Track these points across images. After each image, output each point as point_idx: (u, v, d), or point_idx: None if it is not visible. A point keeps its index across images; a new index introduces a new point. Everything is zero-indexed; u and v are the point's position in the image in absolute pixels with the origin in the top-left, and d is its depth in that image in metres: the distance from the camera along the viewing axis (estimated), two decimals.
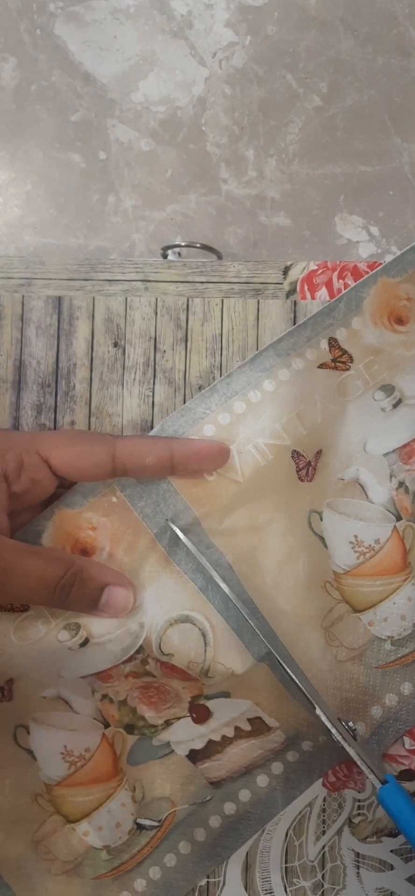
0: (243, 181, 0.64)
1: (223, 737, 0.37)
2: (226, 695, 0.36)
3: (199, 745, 0.37)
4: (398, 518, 0.38)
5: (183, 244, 0.48)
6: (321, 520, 0.38)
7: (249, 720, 0.37)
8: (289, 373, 0.37)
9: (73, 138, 0.64)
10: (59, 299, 0.40)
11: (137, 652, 0.35)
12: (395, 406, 0.38)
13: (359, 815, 0.37)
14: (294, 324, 0.40)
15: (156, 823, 0.37)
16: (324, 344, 0.38)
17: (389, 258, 0.40)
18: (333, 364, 0.38)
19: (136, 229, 0.63)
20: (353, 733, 0.35)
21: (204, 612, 0.35)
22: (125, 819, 0.36)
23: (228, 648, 0.35)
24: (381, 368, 0.38)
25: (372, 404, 0.38)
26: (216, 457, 0.36)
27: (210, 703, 0.36)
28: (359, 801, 0.38)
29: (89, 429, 0.39)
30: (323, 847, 0.38)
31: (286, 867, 0.38)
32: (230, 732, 0.37)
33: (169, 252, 0.47)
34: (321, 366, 0.38)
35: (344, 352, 0.38)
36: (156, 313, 0.40)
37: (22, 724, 0.36)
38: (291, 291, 0.40)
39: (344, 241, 0.63)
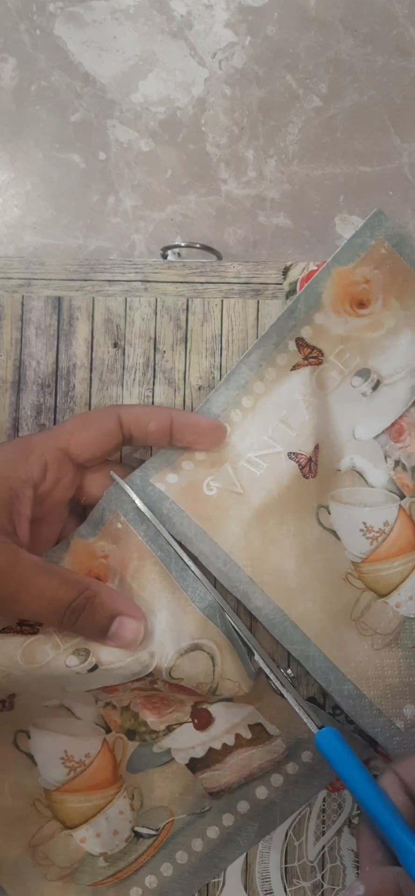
0: (243, 181, 0.64)
1: (224, 745, 0.37)
2: (228, 699, 0.36)
3: (199, 753, 0.36)
4: (402, 496, 0.38)
5: (183, 244, 0.48)
6: (329, 513, 0.38)
7: (250, 727, 0.36)
8: (264, 385, 0.38)
9: (73, 138, 0.64)
10: (59, 300, 0.40)
11: (146, 676, 0.35)
12: (375, 388, 0.38)
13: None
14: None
15: (154, 832, 0.37)
16: (292, 346, 0.38)
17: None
18: (305, 362, 0.38)
19: (135, 230, 0.63)
20: (291, 680, 0.35)
21: (212, 637, 0.34)
22: (123, 827, 0.36)
23: (234, 666, 0.35)
24: (353, 355, 0.38)
25: (352, 391, 0.38)
26: (211, 433, 0.37)
27: (212, 708, 0.36)
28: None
29: None
30: (323, 847, 0.38)
31: (286, 867, 0.38)
32: (231, 741, 0.36)
33: (169, 252, 0.47)
34: (294, 367, 0.38)
35: (313, 348, 0.38)
36: (156, 314, 0.40)
37: (22, 729, 0.36)
38: (291, 292, 0.40)
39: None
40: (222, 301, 0.40)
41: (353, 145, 0.64)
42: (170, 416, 0.36)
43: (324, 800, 0.38)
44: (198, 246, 0.48)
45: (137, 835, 0.37)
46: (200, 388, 0.40)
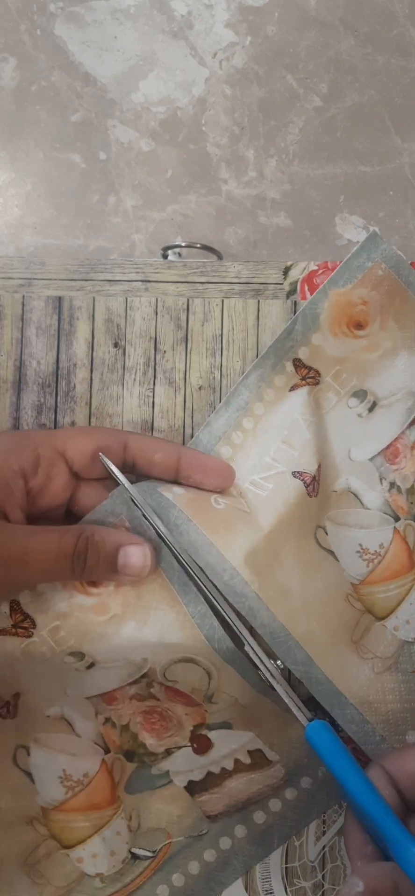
0: (243, 181, 0.64)
1: (222, 769, 0.36)
2: (228, 726, 0.36)
3: (198, 776, 0.36)
4: (397, 518, 0.38)
5: (183, 244, 0.48)
6: (326, 534, 0.38)
7: (250, 752, 0.36)
8: (263, 406, 0.38)
9: (73, 138, 0.64)
10: (60, 300, 0.40)
11: (142, 676, 0.35)
12: (371, 410, 0.38)
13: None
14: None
15: (150, 854, 0.37)
16: (290, 367, 0.38)
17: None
18: (303, 382, 0.38)
19: (136, 229, 0.63)
20: (281, 672, 0.35)
21: (209, 658, 0.35)
22: (120, 848, 0.36)
23: (232, 685, 0.35)
24: (349, 376, 0.38)
25: (348, 412, 0.39)
26: (219, 474, 0.36)
27: (212, 734, 0.36)
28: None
29: None
30: (323, 847, 0.38)
31: (287, 867, 0.38)
32: (230, 765, 0.36)
33: (169, 252, 0.47)
34: (293, 388, 0.38)
35: (310, 368, 0.38)
36: (156, 314, 0.40)
37: (23, 744, 0.36)
38: (292, 292, 0.40)
39: (344, 241, 0.63)
40: (223, 301, 0.40)
41: (353, 145, 0.64)
42: (178, 453, 0.36)
43: None
44: (198, 246, 0.48)
45: (134, 856, 0.36)
46: (200, 388, 0.40)
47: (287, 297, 0.40)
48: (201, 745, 0.37)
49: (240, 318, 0.40)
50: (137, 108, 0.65)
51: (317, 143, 0.64)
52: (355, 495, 0.39)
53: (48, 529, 0.33)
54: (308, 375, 0.38)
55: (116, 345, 0.40)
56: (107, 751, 0.37)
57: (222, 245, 0.62)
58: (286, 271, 0.40)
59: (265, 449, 0.37)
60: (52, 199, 0.64)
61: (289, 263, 0.40)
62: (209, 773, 0.37)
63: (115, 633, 0.34)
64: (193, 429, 0.39)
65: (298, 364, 0.38)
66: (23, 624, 0.34)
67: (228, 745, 0.37)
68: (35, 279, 0.40)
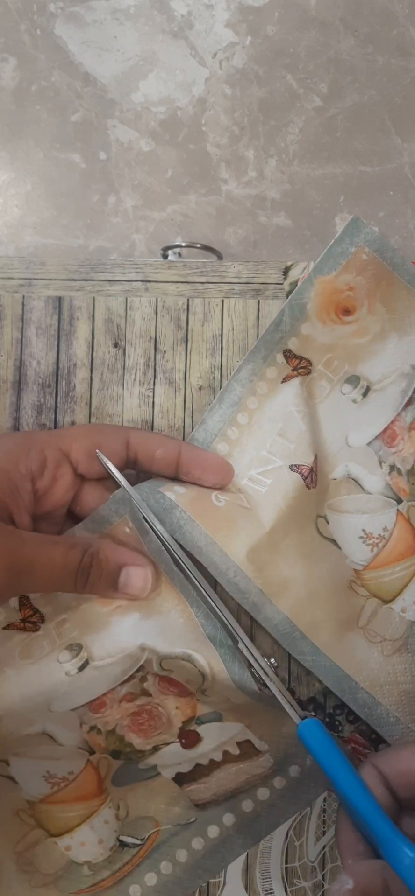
0: (243, 181, 0.63)
1: (211, 761, 0.36)
2: (218, 717, 0.36)
3: (186, 768, 0.36)
4: (399, 501, 0.38)
5: (183, 244, 0.48)
6: (327, 523, 0.38)
7: (239, 743, 0.36)
8: (256, 399, 0.38)
9: (73, 138, 0.64)
10: (60, 300, 0.40)
11: (137, 670, 0.35)
12: (365, 394, 0.38)
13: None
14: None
15: (138, 842, 0.37)
16: (280, 358, 0.38)
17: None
18: (295, 373, 0.38)
19: (136, 229, 0.63)
20: (274, 670, 0.35)
21: (207, 657, 0.35)
22: (108, 836, 0.36)
23: (226, 687, 0.35)
24: (341, 363, 0.38)
25: (342, 399, 0.38)
26: (218, 471, 0.36)
27: (201, 728, 0.36)
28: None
29: None
30: (323, 847, 0.38)
31: (287, 867, 0.37)
32: (218, 757, 0.36)
33: (169, 252, 0.47)
34: (285, 379, 0.38)
35: (301, 358, 0.38)
36: (156, 314, 0.40)
37: (1, 758, 0.36)
38: (292, 292, 0.40)
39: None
40: (223, 301, 0.40)
41: (353, 145, 0.64)
42: (179, 448, 0.36)
43: (325, 800, 0.38)
44: (198, 246, 0.48)
45: (122, 844, 0.36)
46: (200, 388, 0.40)
47: (287, 297, 0.40)
48: (190, 740, 0.37)
49: (240, 318, 0.40)
50: (137, 108, 0.65)
51: (317, 143, 0.64)
52: (356, 481, 0.39)
53: (56, 541, 0.33)
54: (300, 366, 0.38)
55: (116, 345, 0.40)
56: (92, 752, 0.37)
57: (222, 245, 0.62)
58: (286, 271, 0.40)
59: (261, 443, 0.38)
60: (52, 199, 0.64)
61: (289, 263, 0.40)
62: (198, 765, 0.37)
63: (117, 624, 0.35)
64: (193, 429, 0.39)
65: (288, 355, 0.38)
66: (32, 619, 0.35)
67: (217, 737, 0.37)
68: (35, 279, 0.40)
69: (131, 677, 0.34)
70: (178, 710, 0.36)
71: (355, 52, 0.65)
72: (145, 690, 0.35)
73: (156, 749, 0.36)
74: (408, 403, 0.36)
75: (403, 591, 0.38)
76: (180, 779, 0.37)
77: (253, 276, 0.40)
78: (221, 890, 0.37)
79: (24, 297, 0.40)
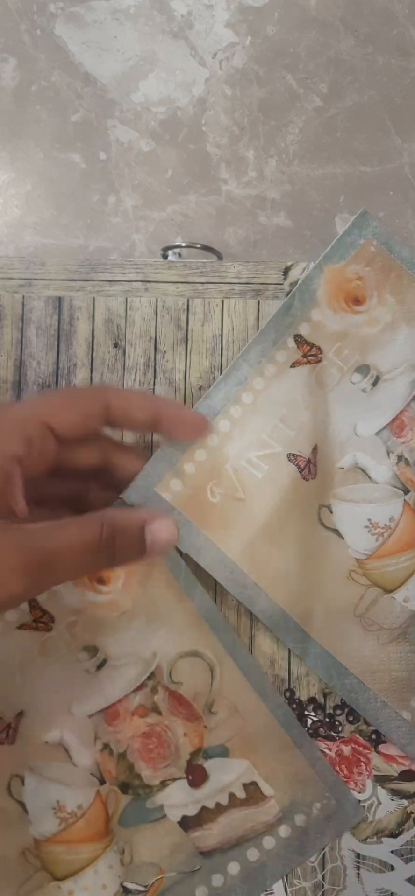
0: (243, 181, 0.63)
1: (217, 804, 0.37)
2: (224, 752, 0.36)
3: (192, 811, 0.36)
4: (406, 491, 0.38)
5: (183, 245, 0.48)
6: (331, 512, 0.38)
7: (245, 786, 0.37)
8: (263, 381, 0.38)
9: (73, 138, 0.64)
10: (60, 300, 0.40)
11: (149, 678, 0.35)
12: (374, 384, 0.39)
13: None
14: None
15: (142, 888, 0.37)
16: (291, 343, 0.38)
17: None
18: (305, 360, 0.38)
19: (136, 229, 0.63)
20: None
21: (214, 651, 0.35)
22: (112, 881, 0.36)
23: (233, 686, 0.35)
24: (352, 352, 0.38)
25: (352, 388, 0.39)
26: (196, 429, 0.36)
27: (207, 764, 0.36)
28: (359, 801, 0.38)
29: None
30: (323, 847, 0.38)
31: None
32: (224, 800, 0.36)
33: (169, 252, 0.47)
34: (294, 364, 0.38)
35: (312, 345, 0.38)
36: (156, 314, 0.40)
37: (18, 773, 0.36)
38: (292, 291, 0.40)
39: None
40: (223, 301, 0.40)
41: (353, 145, 0.64)
42: (158, 409, 0.36)
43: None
44: (198, 246, 0.48)
45: (126, 890, 0.37)
46: (200, 388, 0.40)
47: (287, 297, 0.40)
48: (197, 776, 0.37)
49: (240, 318, 0.40)
50: (137, 108, 0.65)
51: (317, 143, 0.64)
52: (363, 470, 0.39)
53: (65, 523, 0.31)
54: (310, 353, 0.38)
55: (116, 345, 0.40)
56: (102, 782, 0.37)
57: (222, 245, 0.62)
58: (286, 271, 0.40)
59: (263, 425, 0.38)
60: (52, 199, 0.64)
61: (289, 263, 0.40)
62: (204, 808, 0.37)
63: (126, 628, 0.35)
64: None
65: (299, 340, 0.38)
66: (42, 619, 0.35)
67: (224, 776, 0.37)
68: (35, 279, 0.40)
69: (143, 685, 0.35)
70: (186, 739, 0.36)
71: (355, 52, 0.65)
72: (156, 706, 0.36)
73: (164, 785, 0.36)
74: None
75: (406, 582, 0.38)
76: (186, 823, 0.37)
77: (253, 276, 0.40)
78: None
79: (24, 297, 0.40)
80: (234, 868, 0.37)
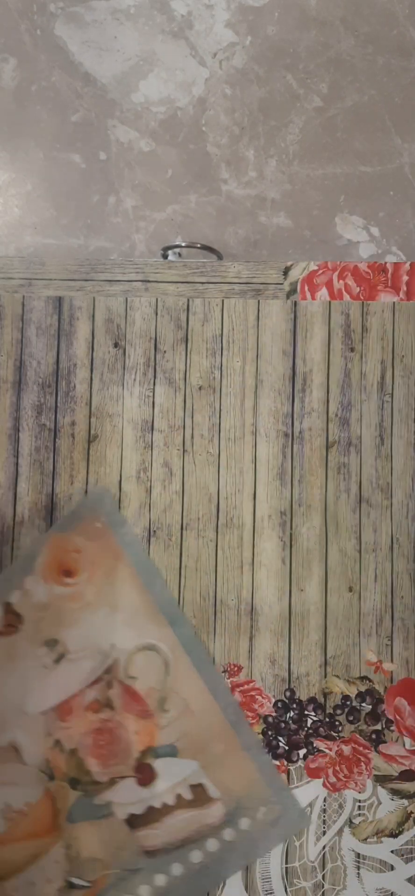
0: (244, 181, 0.63)
1: (163, 804, 0.37)
2: (174, 752, 0.37)
3: (138, 809, 0.37)
4: (52, 778, 0.38)
5: (183, 244, 0.48)
6: None
7: (192, 787, 0.37)
8: None
9: (73, 138, 0.64)
10: (60, 300, 0.40)
11: (106, 672, 0.36)
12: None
13: (359, 815, 0.37)
14: (294, 325, 0.40)
15: (86, 884, 0.37)
16: None
17: (390, 259, 0.40)
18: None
19: (136, 229, 0.63)
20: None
21: (169, 644, 0.36)
22: (57, 876, 0.37)
23: (186, 681, 0.36)
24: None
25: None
26: None
27: (157, 763, 0.37)
28: (359, 801, 0.38)
29: (89, 429, 0.39)
30: (323, 847, 0.38)
31: (287, 867, 0.37)
32: (171, 800, 0.37)
33: (169, 252, 0.47)
34: None
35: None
36: (156, 313, 0.40)
37: None
38: (292, 292, 0.40)
39: (344, 241, 0.63)
40: (223, 301, 0.40)
41: (353, 145, 0.64)
42: None
43: (325, 800, 0.38)
44: (198, 246, 0.48)
45: (71, 885, 0.37)
46: (200, 388, 0.40)
47: (287, 297, 0.40)
48: (145, 775, 0.37)
49: (240, 318, 0.40)
50: (137, 108, 0.65)
51: (317, 143, 0.64)
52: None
53: None
54: (11, 623, 0.38)
55: (116, 345, 0.40)
56: (51, 778, 0.37)
57: (222, 245, 0.62)
58: (286, 271, 0.40)
59: None
60: (52, 199, 0.64)
61: (289, 263, 0.40)
62: (150, 808, 0.37)
63: (88, 619, 0.37)
64: (193, 429, 0.39)
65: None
66: (12, 622, 0.36)
67: (172, 776, 0.37)
68: (35, 279, 0.40)
69: (99, 679, 0.36)
70: (137, 737, 0.37)
71: (355, 52, 0.65)
72: (110, 701, 0.36)
73: (112, 782, 0.37)
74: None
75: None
76: (132, 822, 0.37)
77: (253, 276, 0.40)
78: (222, 890, 0.37)
79: (24, 297, 0.40)
80: (177, 869, 0.37)
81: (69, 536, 0.37)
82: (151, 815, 0.37)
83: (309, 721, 0.38)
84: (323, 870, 0.38)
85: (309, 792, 0.38)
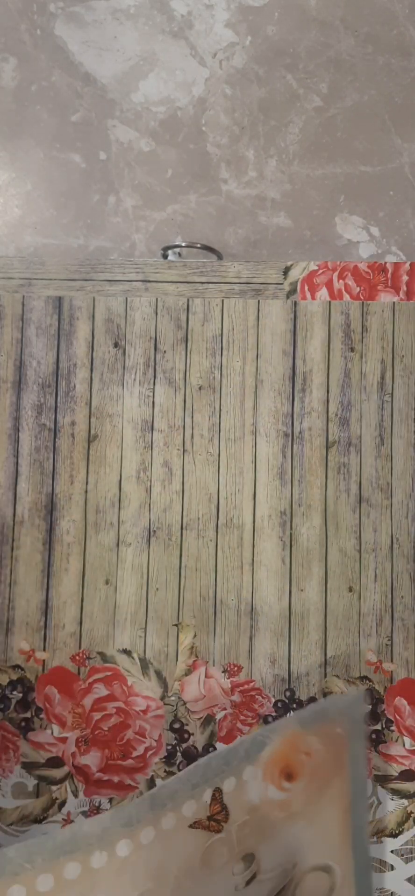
0: (244, 181, 0.63)
1: None
2: None
3: None
4: None
5: (183, 244, 0.48)
6: None
7: None
8: (154, 832, 0.30)
9: (73, 138, 0.64)
10: (60, 299, 0.40)
11: (279, 892, 0.33)
12: (247, 883, 0.32)
13: None
14: (294, 325, 0.40)
15: None
16: (207, 795, 0.32)
17: (390, 259, 0.40)
18: (207, 822, 0.32)
19: (136, 229, 0.63)
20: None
21: (343, 869, 0.32)
22: None
23: None
24: (251, 832, 0.33)
25: (229, 880, 0.32)
26: None
27: None
28: None
29: (89, 429, 0.39)
30: None
31: None
32: None
33: (169, 252, 0.47)
34: (194, 824, 0.32)
35: (224, 807, 0.33)
36: (156, 313, 0.40)
37: None
38: (292, 291, 0.40)
39: (344, 241, 0.63)
40: (223, 301, 0.40)
41: (353, 145, 0.64)
42: None
43: None
44: (198, 246, 0.48)
45: None
46: (200, 388, 0.40)
47: (287, 296, 0.40)
48: None
49: (240, 318, 0.40)
50: (137, 108, 0.65)
51: (317, 143, 0.64)
52: None
53: None
54: (215, 816, 0.32)
55: (116, 345, 0.40)
56: None
57: (222, 245, 0.62)
58: (286, 271, 0.40)
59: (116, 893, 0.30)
60: (52, 199, 0.64)
61: (289, 263, 0.40)
62: None
63: (286, 833, 0.33)
64: (193, 429, 0.39)
65: (216, 796, 0.32)
66: (217, 816, 0.32)
67: None
68: (35, 279, 0.40)
69: None
70: None
71: (355, 52, 0.65)
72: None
73: None
74: None
75: None
76: None
77: (253, 275, 0.40)
78: None
79: (24, 297, 0.40)
80: None
81: (307, 735, 0.33)
82: None
83: None
84: None
85: None
